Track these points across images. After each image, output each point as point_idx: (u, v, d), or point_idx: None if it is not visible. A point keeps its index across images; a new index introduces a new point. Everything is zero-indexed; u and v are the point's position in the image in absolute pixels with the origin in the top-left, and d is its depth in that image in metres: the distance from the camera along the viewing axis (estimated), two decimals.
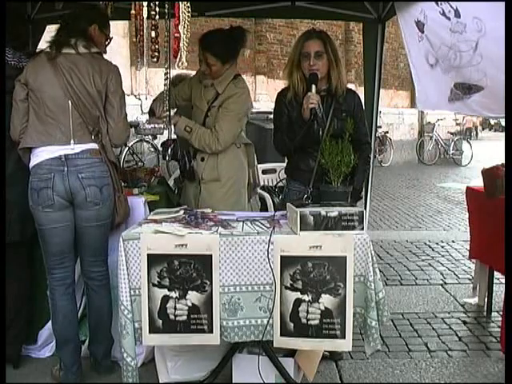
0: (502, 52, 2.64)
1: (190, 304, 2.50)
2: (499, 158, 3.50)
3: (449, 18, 2.85)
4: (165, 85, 3.33)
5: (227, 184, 3.42)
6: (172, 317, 2.50)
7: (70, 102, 2.85)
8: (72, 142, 2.87)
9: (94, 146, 2.92)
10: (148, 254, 2.47)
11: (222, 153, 3.41)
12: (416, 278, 4.91)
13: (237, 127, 3.42)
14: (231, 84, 3.40)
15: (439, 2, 2.87)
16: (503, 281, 3.64)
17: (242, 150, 3.53)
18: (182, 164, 3.46)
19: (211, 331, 2.51)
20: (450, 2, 2.82)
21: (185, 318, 2.51)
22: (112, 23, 3.16)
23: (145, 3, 2.59)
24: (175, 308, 2.50)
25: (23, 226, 3.05)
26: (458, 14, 2.81)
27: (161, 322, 2.51)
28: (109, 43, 3.12)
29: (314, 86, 2.98)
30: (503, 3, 2.58)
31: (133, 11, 2.63)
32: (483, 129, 30.22)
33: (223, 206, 3.13)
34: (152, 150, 8.89)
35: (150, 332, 2.52)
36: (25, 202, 2.93)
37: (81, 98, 2.86)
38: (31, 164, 2.90)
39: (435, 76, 3.11)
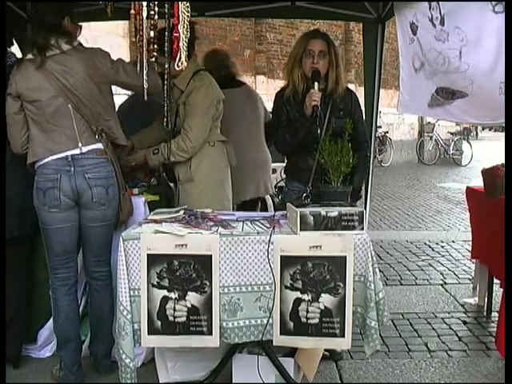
0: (488, 60, 2.67)
1: (189, 305, 2.49)
2: (499, 158, 3.50)
3: (434, 25, 2.89)
4: (165, 85, 3.32)
5: (201, 184, 3.39)
6: (171, 318, 2.50)
7: (69, 105, 2.83)
8: (80, 144, 2.85)
9: (100, 146, 2.92)
10: (148, 254, 2.47)
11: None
12: (416, 278, 4.91)
13: (205, 121, 3.36)
14: (192, 80, 3.39)
15: (432, 6, 2.89)
16: None
17: (217, 148, 3.47)
18: (163, 166, 3.47)
19: (210, 333, 2.50)
20: (441, 6, 2.84)
21: (184, 319, 2.50)
22: (112, 23, 3.16)
23: (144, 3, 2.58)
24: (174, 309, 2.49)
25: (21, 220, 3.06)
26: (442, 22, 2.84)
27: (160, 323, 2.50)
28: (80, 33, 3.04)
29: (316, 84, 2.99)
30: (486, 12, 2.61)
31: (132, 11, 2.62)
32: (483, 129, 30.19)
33: (198, 205, 3.08)
34: None
35: (148, 333, 2.51)
36: (22, 196, 2.94)
37: (80, 99, 2.84)
38: (36, 164, 2.89)
39: (418, 81, 3.16)
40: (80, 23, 3.06)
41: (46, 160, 2.84)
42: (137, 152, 3.49)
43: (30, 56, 2.83)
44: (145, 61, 2.71)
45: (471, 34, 2.73)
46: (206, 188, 3.41)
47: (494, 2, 2.60)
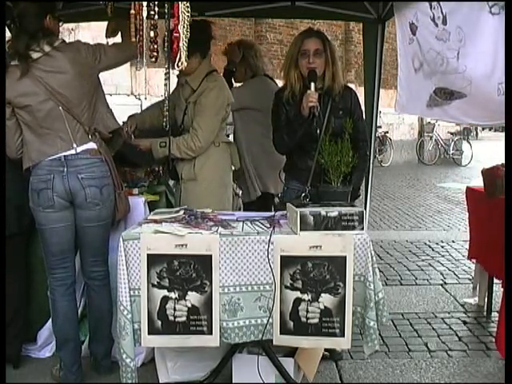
0: (485, 62, 2.67)
1: (189, 305, 2.49)
2: (499, 158, 3.50)
3: (436, 25, 2.88)
4: (165, 85, 3.32)
5: (203, 183, 3.39)
6: (171, 318, 2.50)
7: (60, 107, 2.81)
8: (74, 145, 2.85)
9: (93, 145, 2.91)
10: (148, 254, 2.47)
11: None
12: (416, 278, 4.91)
13: (215, 122, 3.38)
14: (205, 80, 3.40)
15: (433, 6, 2.89)
16: None
17: (221, 149, 3.47)
18: (167, 165, 3.46)
19: (210, 333, 2.50)
20: (442, 6, 2.84)
21: (184, 319, 2.50)
22: None
23: (144, 3, 2.58)
24: (175, 309, 2.49)
25: (20, 217, 3.07)
26: (445, 21, 2.84)
27: (160, 323, 2.50)
28: (62, 24, 3.01)
29: (312, 84, 2.97)
30: (484, 12, 2.61)
31: (132, 11, 2.62)
32: (483, 129, 30.13)
33: (199, 205, 3.08)
34: None
35: (148, 333, 2.51)
36: (19, 193, 2.95)
37: (70, 99, 2.82)
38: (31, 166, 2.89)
39: (417, 81, 3.15)
40: (79, 23, 3.05)
41: (40, 161, 2.84)
42: (142, 139, 3.50)
43: (14, 62, 2.77)
44: (144, 61, 2.71)
45: (470, 35, 2.73)
46: (209, 188, 3.40)
47: (490, 3, 2.60)
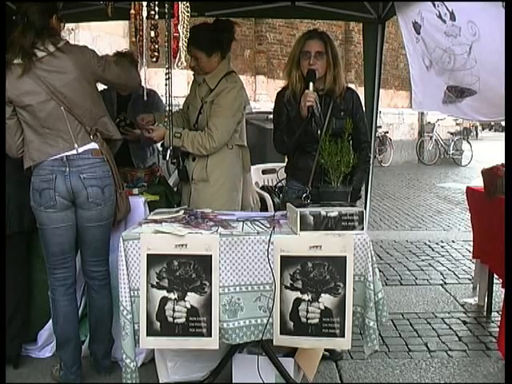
0: (495, 56, 2.68)
1: (188, 306, 2.48)
2: (499, 158, 3.51)
3: (444, 21, 2.88)
4: (166, 85, 3.32)
5: (215, 185, 3.34)
6: (170, 319, 2.49)
7: (62, 107, 2.80)
8: (76, 145, 2.85)
9: (95, 145, 2.91)
10: (148, 254, 2.46)
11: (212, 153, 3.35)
12: (416, 278, 4.91)
13: (230, 123, 3.33)
14: (223, 79, 3.36)
15: (436, 4, 2.89)
16: None
17: (234, 151, 3.42)
18: (176, 164, 3.43)
19: (210, 335, 2.49)
20: (446, 4, 2.83)
21: (183, 320, 2.49)
22: (112, 23, 3.15)
23: (144, 3, 2.58)
24: (174, 310, 2.48)
25: (21, 216, 3.07)
26: (453, 17, 2.83)
27: (159, 324, 2.49)
28: (64, 27, 3.00)
29: (311, 84, 2.97)
30: (496, 8, 2.61)
31: (132, 11, 2.62)
32: (483, 129, 30.18)
33: (210, 207, 3.07)
34: None
35: (147, 334, 2.50)
36: (19, 192, 2.95)
37: (73, 100, 2.82)
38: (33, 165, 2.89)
39: (431, 78, 3.14)
40: (79, 23, 3.06)
41: (41, 161, 2.84)
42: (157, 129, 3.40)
43: (17, 60, 2.76)
44: (145, 60, 2.71)
45: (484, 29, 2.72)
46: (220, 191, 3.35)
47: None
